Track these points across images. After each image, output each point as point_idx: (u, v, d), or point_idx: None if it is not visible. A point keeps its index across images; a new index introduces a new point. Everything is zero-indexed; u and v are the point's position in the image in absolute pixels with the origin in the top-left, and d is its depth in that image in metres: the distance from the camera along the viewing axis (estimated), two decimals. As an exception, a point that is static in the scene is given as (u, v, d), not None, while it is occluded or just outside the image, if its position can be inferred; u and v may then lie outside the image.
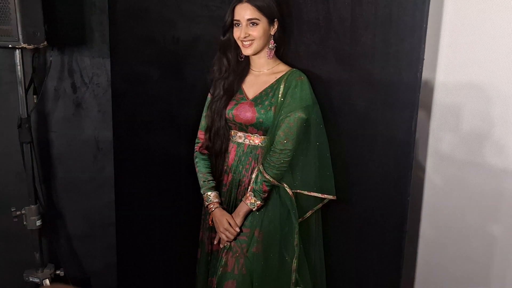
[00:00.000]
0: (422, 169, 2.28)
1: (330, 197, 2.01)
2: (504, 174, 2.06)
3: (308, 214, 2.06)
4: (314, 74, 2.06)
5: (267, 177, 1.94)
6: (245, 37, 1.93)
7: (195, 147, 2.18)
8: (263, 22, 1.92)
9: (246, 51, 1.97)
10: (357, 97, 2.05)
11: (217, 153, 2.10)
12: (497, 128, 2.05)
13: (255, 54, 2.00)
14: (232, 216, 2.02)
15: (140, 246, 2.57)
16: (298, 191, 1.99)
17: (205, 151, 2.14)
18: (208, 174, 2.11)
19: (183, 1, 2.27)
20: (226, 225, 2.00)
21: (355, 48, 2.01)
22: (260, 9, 1.90)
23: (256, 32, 1.92)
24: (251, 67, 2.08)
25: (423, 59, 1.88)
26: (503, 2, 1.94)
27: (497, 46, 1.98)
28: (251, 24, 1.92)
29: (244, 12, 1.91)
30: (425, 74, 2.01)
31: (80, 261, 2.79)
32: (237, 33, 1.95)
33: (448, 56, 2.11)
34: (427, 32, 1.86)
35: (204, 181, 2.10)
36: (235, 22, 1.95)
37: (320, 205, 2.06)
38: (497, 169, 2.07)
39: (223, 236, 2.02)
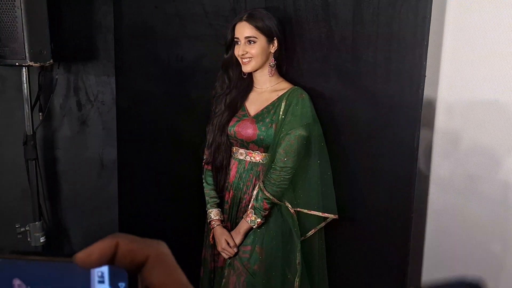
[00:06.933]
0: (425, 186, 2.27)
1: (332, 216, 1.99)
2: (510, 192, 2.04)
3: (310, 233, 2.04)
4: (316, 91, 2.07)
5: (267, 194, 1.93)
6: (243, 55, 1.95)
7: (203, 164, 2.19)
8: (260, 40, 1.94)
9: (245, 68, 1.99)
10: (359, 114, 2.05)
11: (218, 169, 2.10)
12: (500, 144, 2.04)
13: (255, 71, 2.02)
14: (231, 235, 2.01)
15: (143, 264, 2.56)
16: (298, 209, 1.98)
17: (209, 167, 2.14)
18: (212, 191, 2.11)
19: (188, 20, 2.30)
20: (224, 245, 1.99)
21: (357, 66, 2.02)
22: (257, 27, 1.93)
23: (254, 50, 1.94)
24: (254, 85, 2.09)
25: (425, 76, 1.89)
26: (504, 19, 1.95)
27: (499, 63, 1.99)
28: (248, 42, 1.94)
29: (242, 30, 1.94)
30: (427, 91, 2.01)
31: (83, 279, 2.78)
32: (237, 50, 1.98)
33: (450, 73, 2.12)
34: (429, 49, 1.87)
35: (207, 198, 2.11)
36: (235, 39, 1.98)
37: (323, 224, 2.04)
38: (502, 186, 2.05)
39: (223, 255, 2.02)
